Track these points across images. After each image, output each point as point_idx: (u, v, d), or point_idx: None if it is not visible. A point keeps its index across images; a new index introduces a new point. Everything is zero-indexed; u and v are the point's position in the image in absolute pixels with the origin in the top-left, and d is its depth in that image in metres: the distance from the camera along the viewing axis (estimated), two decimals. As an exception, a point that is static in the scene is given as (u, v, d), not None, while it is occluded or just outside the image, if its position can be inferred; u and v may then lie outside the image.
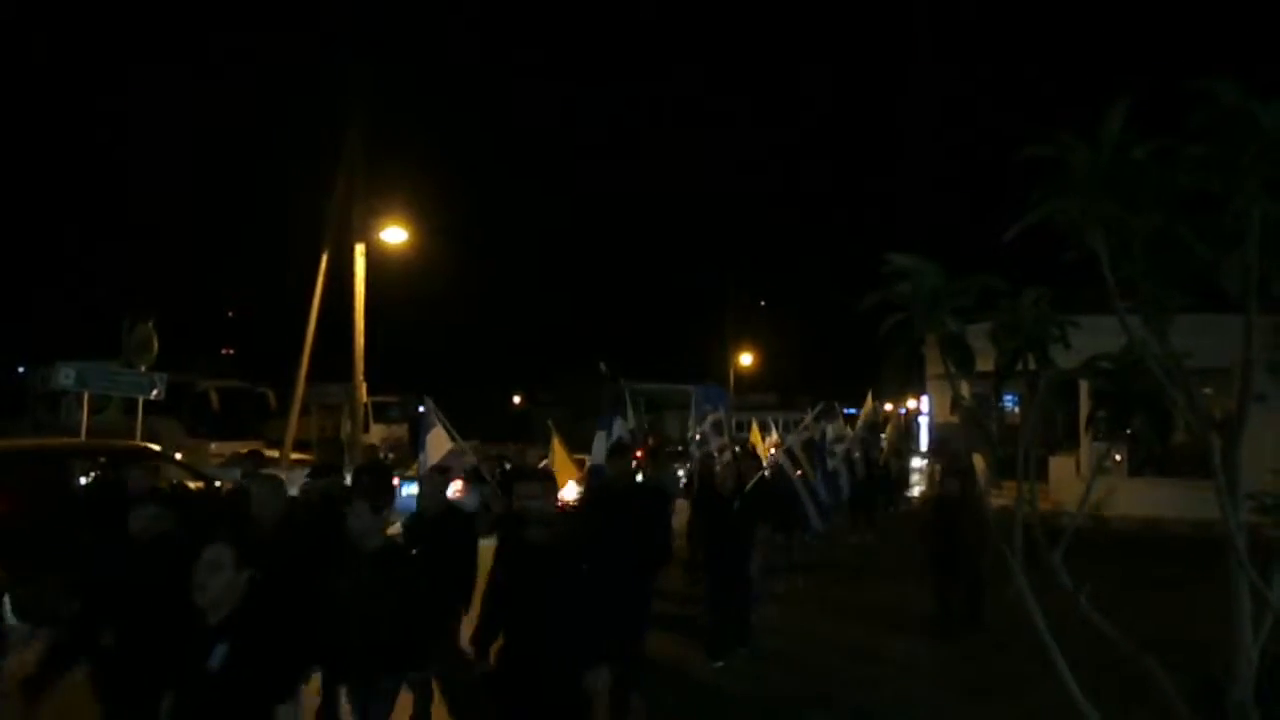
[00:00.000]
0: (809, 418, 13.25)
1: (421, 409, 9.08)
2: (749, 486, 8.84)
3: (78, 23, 40.87)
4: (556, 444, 10.77)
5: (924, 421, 29.53)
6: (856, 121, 65.25)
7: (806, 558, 12.34)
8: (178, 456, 13.07)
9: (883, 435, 21.21)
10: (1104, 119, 1.72)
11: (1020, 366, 2.08)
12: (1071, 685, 1.98)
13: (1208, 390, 5.64)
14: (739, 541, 7.97)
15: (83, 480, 9.85)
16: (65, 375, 14.35)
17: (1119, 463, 18.72)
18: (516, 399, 46.86)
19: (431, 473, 9.16)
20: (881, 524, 16.70)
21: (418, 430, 10.36)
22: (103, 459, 10.20)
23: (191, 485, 10.78)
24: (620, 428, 11.41)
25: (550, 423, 11.97)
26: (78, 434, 14.28)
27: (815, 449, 11.25)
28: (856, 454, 15.81)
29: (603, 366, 10.35)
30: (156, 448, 11.26)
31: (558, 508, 4.71)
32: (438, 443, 8.94)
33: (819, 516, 11.17)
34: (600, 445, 9.84)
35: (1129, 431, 2.08)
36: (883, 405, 20.50)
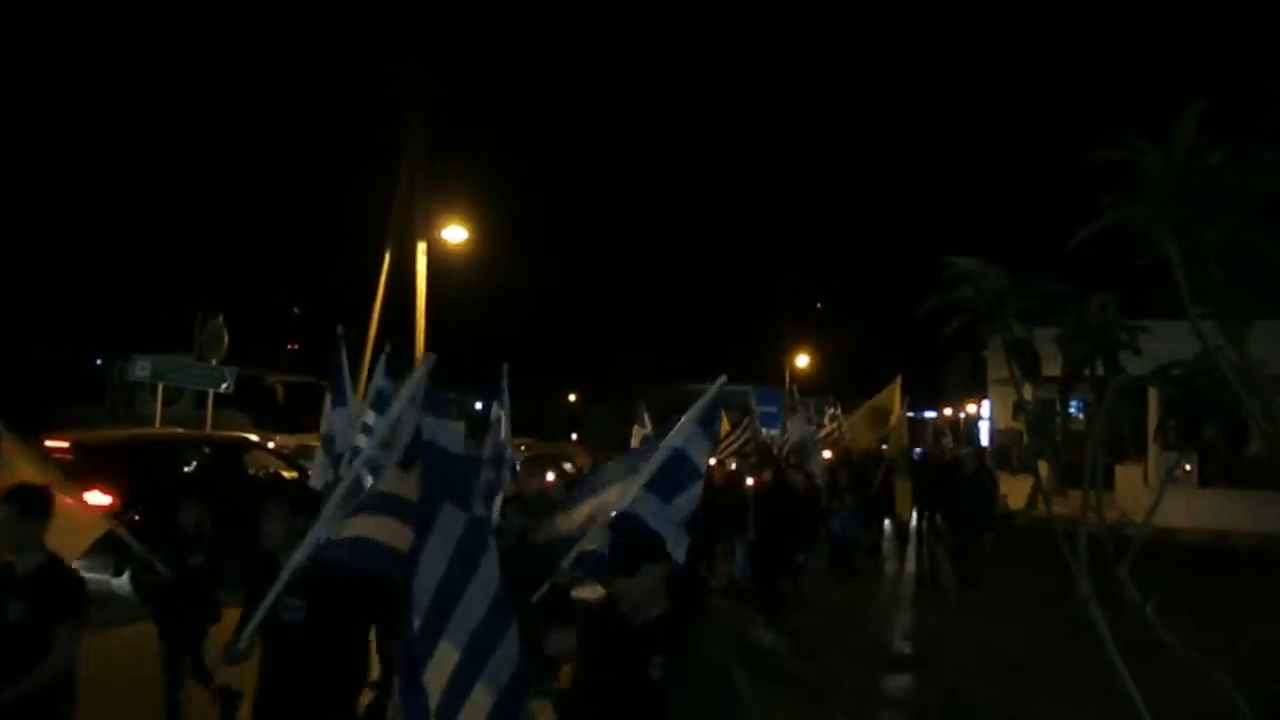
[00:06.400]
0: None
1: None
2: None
3: (143, 25, 42.28)
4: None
5: (984, 427, 29.01)
6: (914, 124, 64.33)
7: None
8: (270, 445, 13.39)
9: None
10: (1178, 122, 1.69)
11: (1088, 372, 2.04)
12: (1137, 701, 1.95)
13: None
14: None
15: (186, 468, 10.15)
16: (141, 367, 14.83)
17: (1188, 473, 18.20)
18: (572, 397, 47.12)
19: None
20: (869, 578, 12.47)
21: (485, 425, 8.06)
22: (207, 448, 10.51)
23: (285, 474, 11.08)
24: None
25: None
26: (152, 424, 14.76)
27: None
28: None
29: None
30: (255, 438, 11.55)
31: None
32: None
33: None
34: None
35: (1199, 441, 2.03)
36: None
